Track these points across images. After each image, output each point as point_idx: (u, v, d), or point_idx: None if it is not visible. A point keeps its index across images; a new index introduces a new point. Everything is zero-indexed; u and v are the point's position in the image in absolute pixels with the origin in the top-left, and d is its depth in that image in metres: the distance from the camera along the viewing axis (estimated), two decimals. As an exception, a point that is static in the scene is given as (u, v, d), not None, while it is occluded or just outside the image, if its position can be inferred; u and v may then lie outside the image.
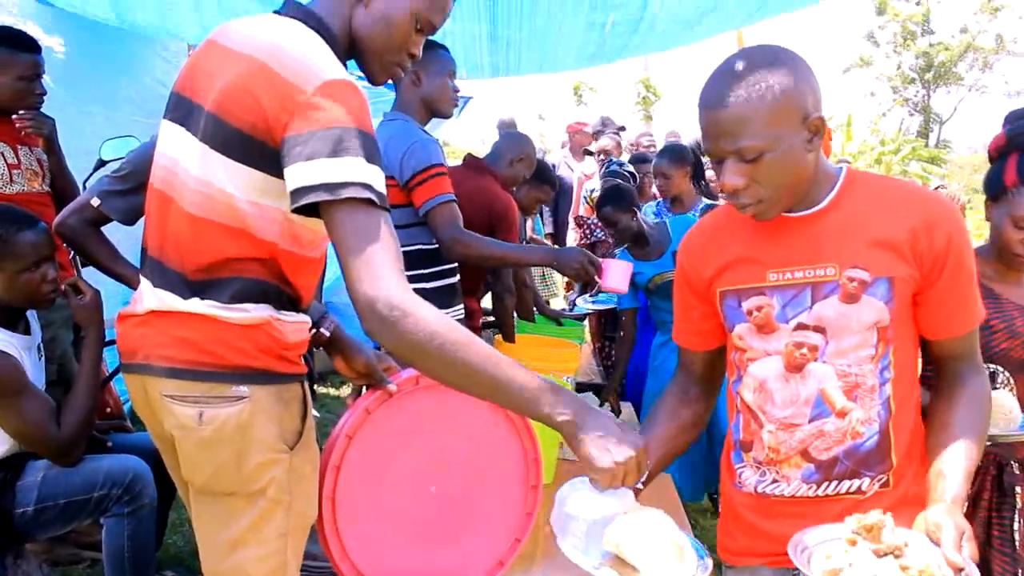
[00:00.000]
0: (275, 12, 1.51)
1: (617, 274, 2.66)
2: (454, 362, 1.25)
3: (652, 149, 6.50)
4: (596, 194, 5.88)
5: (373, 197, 1.29)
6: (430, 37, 1.62)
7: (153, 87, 4.47)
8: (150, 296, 1.47)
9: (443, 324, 1.25)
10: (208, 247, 1.41)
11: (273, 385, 1.47)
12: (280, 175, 1.33)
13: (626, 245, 3.74)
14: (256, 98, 1.34)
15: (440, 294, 2.69)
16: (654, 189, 4.83)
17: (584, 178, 6.36)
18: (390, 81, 1.66)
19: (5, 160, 2.89)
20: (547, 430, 1.35)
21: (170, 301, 1.43)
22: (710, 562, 1.35)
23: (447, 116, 2.81)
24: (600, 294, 4.15)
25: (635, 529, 1.32)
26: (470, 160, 3.38)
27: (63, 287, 2.36)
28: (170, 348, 1.43)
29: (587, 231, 5.48)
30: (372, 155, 1.31)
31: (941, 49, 33.42)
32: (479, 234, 2.63)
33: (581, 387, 3.68)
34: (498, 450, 1.78)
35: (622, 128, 6.59)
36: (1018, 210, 1.98)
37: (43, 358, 2.44)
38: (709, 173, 6.23)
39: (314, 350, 1.85)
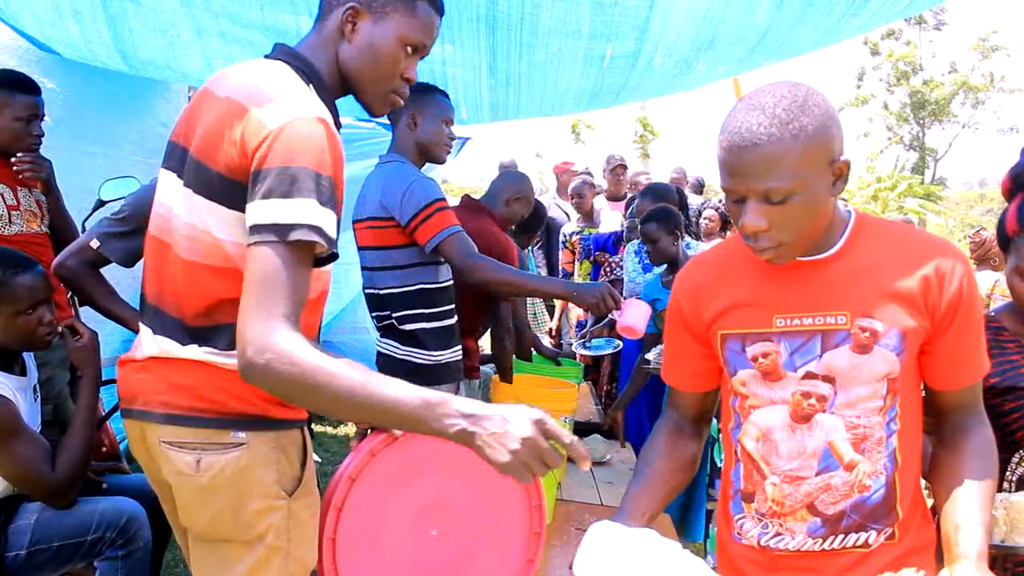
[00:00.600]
0: (265, 56, 1.52)
1: (636, 313, 2.54)
2: (330, 395, 1.20)
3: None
4: (576, 238, 5.87)
5: (321, 240, 1.27)
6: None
7: (154, 128, 4.50)
8: (150, 343, 1.48)
9: (311, 359, 1.20)
10: (201, 290, 1.41)
11: (271, 431, 1.47)
12: None
13: (659, 272, 3.75)
14: (232, 140, 1.34)
15: (439, 334, 2.68)
16: None
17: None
18: (391, 111, 1.65)
19: (4, 201, 2.89)
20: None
21: (169, 348, 1.44)
22: None
23: (440, 162, 2.81)
24: (593, 340, 4.12)
25: None
26: (467, 201, 3.37)
27: (60, 328, 2.35)
28: (168, 394, 1.43)
29: (609, 268, 5.46)
30: (326, 199, 1.29)
31: (935, 86, 33.78)
32: None
33: (580, 427, 3.64)
34: (501, 496, 1.76)
35: (623, 165, 6.54)
36: (1022, 260, 1.73)
37: (39, 399, 2.42)
38: (709, 211, 6.27)
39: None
